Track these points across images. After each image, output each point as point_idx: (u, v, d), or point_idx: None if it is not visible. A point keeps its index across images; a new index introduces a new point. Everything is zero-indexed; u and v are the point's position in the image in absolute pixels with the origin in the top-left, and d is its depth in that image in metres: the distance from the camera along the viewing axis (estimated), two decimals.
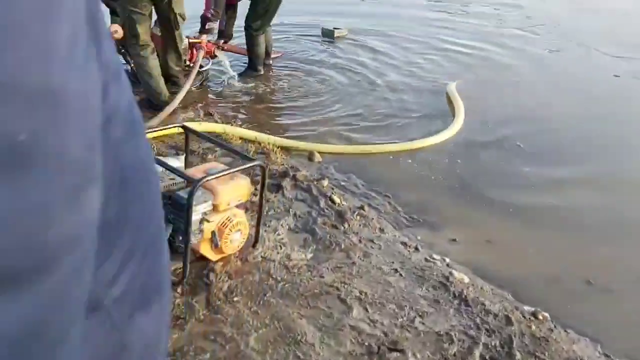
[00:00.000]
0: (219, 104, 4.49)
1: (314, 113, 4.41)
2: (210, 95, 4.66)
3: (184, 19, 4.14)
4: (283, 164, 3.37)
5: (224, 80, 4.90)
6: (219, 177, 2.11)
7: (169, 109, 3.95)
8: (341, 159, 3.64)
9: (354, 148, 3.77)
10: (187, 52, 4.63)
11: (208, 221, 2.15)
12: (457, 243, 2.84)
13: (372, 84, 4.99)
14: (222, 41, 5.13)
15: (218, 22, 4.63)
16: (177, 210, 2.11)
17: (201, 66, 4.72)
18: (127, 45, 4.04)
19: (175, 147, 3.42)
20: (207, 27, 4.59)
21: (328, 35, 6.18)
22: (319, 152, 3.66)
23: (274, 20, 5.16)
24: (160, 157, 2.33)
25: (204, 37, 4.66)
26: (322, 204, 2.94)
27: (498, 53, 6.01)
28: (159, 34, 4.24)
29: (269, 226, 2.66)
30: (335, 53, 5.74)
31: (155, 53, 4.11)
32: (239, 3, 5.01)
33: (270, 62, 5.35)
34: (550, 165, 3.70)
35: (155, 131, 2.74)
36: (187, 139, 2.56)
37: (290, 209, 2.86)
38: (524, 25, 7.22)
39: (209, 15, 4.55)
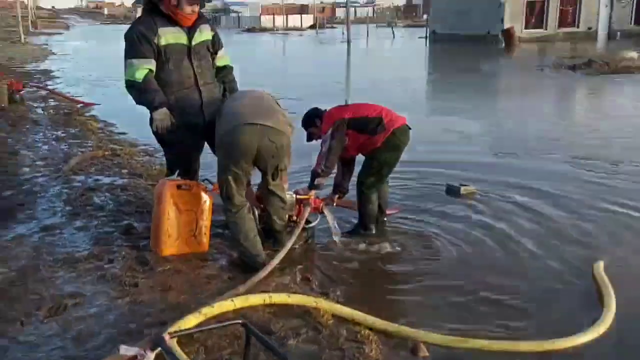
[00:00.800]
0: (321, 268, 4.04)
1: (429, 286, 3.80)
2: (313, 256, 4.25)
3: (283, 171, 3.88)
4: None
5: (331, 240, 4.48)
6: None
7: (262, 274, 3.56)
8: (454, 355, 2.94)
9: (471, 342, 3.03)
10: (293, 207, 4.34)
11: None
12: None
13: (501, 255, 4.29)
14: (337, 195, 4.82)
15: (324, 180, 4.36)
16: None
17: (308, 222, 4.40)
18: (223, 205, 3.81)
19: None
20: (316, 182, 4.33)
21: (453, 192, 5.65)
22: (426, 343, 3.00)
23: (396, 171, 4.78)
24: None
25: (312, 193, 4.37)
26: None
27: None
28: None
29: None
30: (462, 212, 5.14)
31: (252, 212, 3.85)
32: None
33: (385, 219, 4.90)
34: None
35: (210, 328, 2.29)
36: (247, 342, 2.05)
37: None
38: None
39: (319, 171, 4.30)
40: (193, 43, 4.02)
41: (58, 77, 16.46)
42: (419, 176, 6.17)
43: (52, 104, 11.31)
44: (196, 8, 3.93)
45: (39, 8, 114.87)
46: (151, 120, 4.07)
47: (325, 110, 4.58)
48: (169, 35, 3.90)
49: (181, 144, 4.09)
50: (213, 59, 4.20)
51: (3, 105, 10.10)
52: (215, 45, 4.21)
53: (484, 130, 8.73)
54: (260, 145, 3.58)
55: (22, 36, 34.33)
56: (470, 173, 6.28)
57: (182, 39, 3.96)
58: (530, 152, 7.23)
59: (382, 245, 4.42)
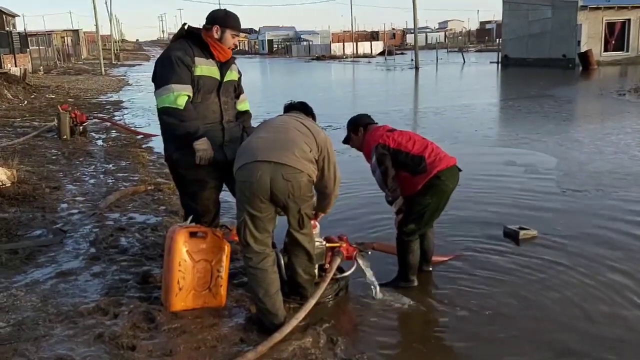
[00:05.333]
0: (351, 328, 3.58)
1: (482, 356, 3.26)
2: (343, 313, 3.78)
3: (310, 218, 3.49)
4: None
5: (370, 292, 3.99)
6: None
7: (276, 336, 3.16)
8: None
9: None
10: (324, 256, 3.91)
11: None
12: None
13: (562, 318, 3.67)
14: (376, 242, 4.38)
15: (400, 199, 3.98)
16: None
17: (342, 270, 3.97)
18: (242, 252, 3.45)
19: None
20: (395, 208, 4.02)
21: (511, 236, 5.04)
22: None
23: (444, 214, 4.27)
24: None
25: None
26: None
27: None
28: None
29: None
30: (519, 263, 4.52)
31: (276, 264, 3.46)
32: None
33: (431, 268, 4.38)
34: None
35: None
36: None
37: None
38: None
39: (389, 200, 3.99)
40: (224, 79, 3.82)
41: (126, 108, 16.93)
42: (474, 216, 5.59)
43: (114, 135, 11.49)
44: (237, 41, 3.80)
45: (124, 41, 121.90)
46: (170, 153, 3.80)
47: (375, 123, 4.22)
48: (204, 67, 3.69)
49: (199, 182, 3.79)
50: (235, 102, 3.98)
51: (65, 137, 10.35)
52: (239, 87, 4.05)
53: (553, 164, 7.98)
54: (274, 184, 3.21)
55: (103, 68, 36.19)
56: (533, 213, 5.64)
57: (215, 73, 3.76)
58: (602, 189, 6.46)
59: (425, 302, 3.92)
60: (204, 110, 3.74)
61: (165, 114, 3.63)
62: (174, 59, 3.59)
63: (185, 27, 3.79)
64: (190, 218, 3.63)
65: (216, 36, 3.69)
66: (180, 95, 3.56)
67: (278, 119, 3.68)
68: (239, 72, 4.03)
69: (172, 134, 3.70)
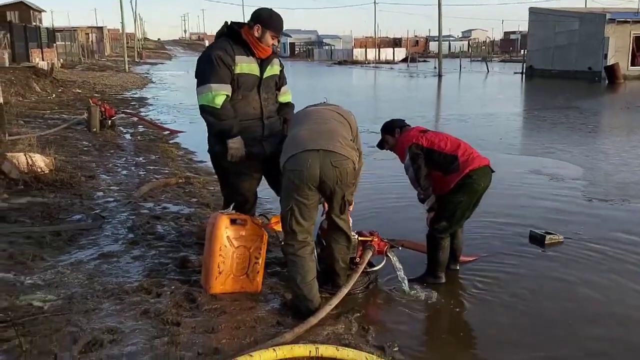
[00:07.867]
0: (381, 318, 3.71)
1: (503, 345, 3.37)
2: (374, 304, 3.90)
3: (350, 204, 3.65)
4: None
5: (399, 286, 4.10)
6: None
7: (312, 320, 3.28)
8: None
9: None
10: (356, 249, 4.03)
11: None
12: None
13: (593, 320, 3.75)
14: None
15: (432, 197, 4.10)
16: None
17: (372, 265, 4.09)
18: (284, 240, 3.58)
19: None
20: (427, 207, 4.16)
21: (537, 241, 5.11)
22: None
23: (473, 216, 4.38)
24: None
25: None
26: None
27: None
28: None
29: None
30: (543, 265, 4.61)
31: (315, 253, 3.60)
32: None
33: (458, 267, 4.48)
34: None
35: None
36: None
37: None
38: None
39: (421, 197, 4.15)
40: (264, 75, 3.92)
41: (151, 105, 17.23)
42: (501, 221, 5.66)
43: (141, 130, 11.73)
44: (276, 41, 3.88)
45: (146, 39, 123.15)
46: (212, 146, 3.96)
47: (409, 125, 4.36)
48: (244, 65, 3.82)
49: (240, 174, 3.95)
50: (276, 94, 4.10)
51: (95, 129, 10.60)
52: (281, 80, 4.14)
53: (579, 173, 8.02)
54: (323, 171, 3.35)
55: (127, 65, 36.73)
56: (559, 219, 5.71)
57: (255, 70, 3.88)
58: (628, 199, 6.50)
59: (452, 297, 4.02)
60: (244, 107, 3.87)
61: (204, 111, 3.80)
62: (215, 58, 3.73)
63: (228, 23, 3.93)
64: (232, 206, 3.78)
65: (257, 35, 3.80)
66: (219, 94, 3.71)
67: (313, 111, 3.79)
68: (281, 65, 4.12)
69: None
